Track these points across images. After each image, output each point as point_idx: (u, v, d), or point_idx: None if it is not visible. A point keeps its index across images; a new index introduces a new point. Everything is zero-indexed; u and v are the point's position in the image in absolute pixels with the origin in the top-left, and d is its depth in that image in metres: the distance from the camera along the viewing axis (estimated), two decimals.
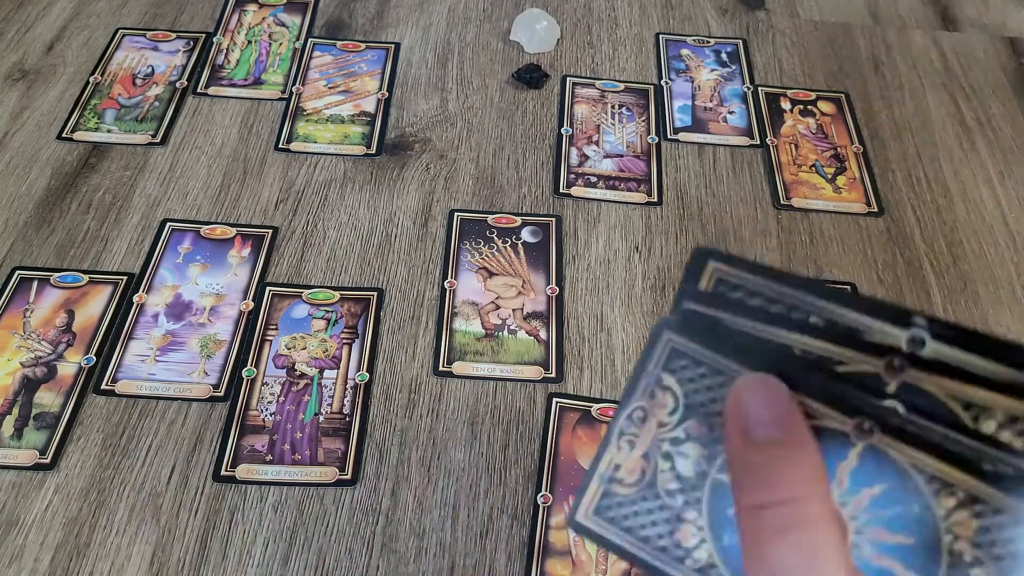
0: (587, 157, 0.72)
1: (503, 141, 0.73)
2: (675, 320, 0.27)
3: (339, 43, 0.81)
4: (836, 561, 0.21)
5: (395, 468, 0.54)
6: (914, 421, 0.24)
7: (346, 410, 0.56)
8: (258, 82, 0.77)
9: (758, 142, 0.74)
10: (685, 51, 0.82)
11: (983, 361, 0.23)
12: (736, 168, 0.72)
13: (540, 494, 0.52)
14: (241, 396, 0.56)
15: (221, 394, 0.56)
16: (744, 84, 0.79)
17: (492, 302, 0.62)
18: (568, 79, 0.78)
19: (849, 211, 0.69)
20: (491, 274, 0.64)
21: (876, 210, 0.69)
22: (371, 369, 0.58)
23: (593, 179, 0.70)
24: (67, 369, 0.57)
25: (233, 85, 0.76)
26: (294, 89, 0.76)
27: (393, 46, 0.81)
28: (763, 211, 0.69)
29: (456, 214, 0.67)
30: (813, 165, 0.72)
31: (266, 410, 0.56)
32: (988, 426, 0.23)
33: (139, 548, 0.50)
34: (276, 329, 0.60)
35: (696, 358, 0.27)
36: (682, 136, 0.74)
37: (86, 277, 0.62)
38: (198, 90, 0.76)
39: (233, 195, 0.68)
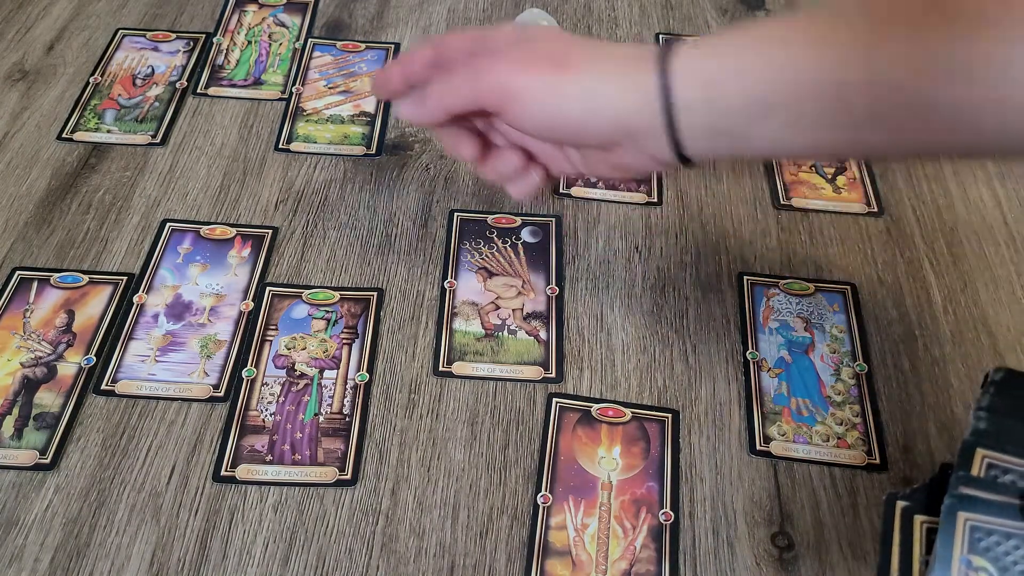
0: None
1: None
2: (957, 504, 0.29)
3: (339, 43, 0.81)
4: None
5: (395, 468, 0.54)
6: None
7: (346, 410, 0.56)
8: (258, 82, 0.77)
9: None
10: None
11: None
12: (736, 168, 0.72)
13: (540, 494, 0.52)
14: (241, 396, 0.56)
15: (221, 394, 0.56)
16: None
17: (492, 302, 0.62)
18: None
19: (849, 211, 0.69)
20: (491, 274, 0.64)
21: (876, 210, 0.69)
22: (371, 369, 0.58)
23: (593, 179, 0.70)
24: (67, 369, 0.57)
25: (233, 85, 0.76)
26: (294, 89, 0.76)
27: (393, 46, 0.81)
28: (763, 211, 0.69)
29: (456, 214, 0.67)
30: (813, 165, 0.72)
31: (266, 410, 0.56)
32: None
33: (139, 548, 0.50)
34: (276, 329, 0.60)
35: (1005, 531, 0.29)
36: None
37: (86, 277, 0.62)
38: (198, 90, 0.76)
39: (233, 195, 0.68)
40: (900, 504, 0.32)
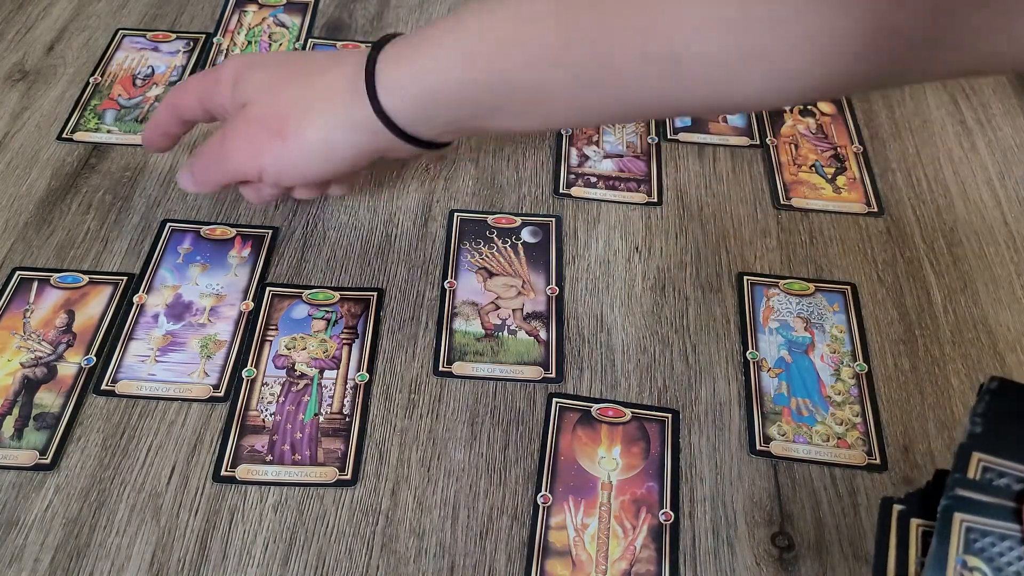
0: (587, 157, 0.72)
1: (503, 141, 0.73)
2: (954, 505, 0.31)
3: (339, 44, 0.81)
4: None
5: (395, 468, 0.54)
6: None
7: (346, 410, 0.56)
8: None
9: (758, 142, 0.74)
10: None
11: None
12: (736, 168, 0.72)
13: (540, 494, 0.52)
14: (241, 396, 0.56)
15: (221, 394, 0.56)
16: None
17: (492, 302, 0.62)
18: None
19: (849, 211, 0.69)
20: (491, 274, 0.64)
21: (876, 210, 0.69)
22: (371, 369, 0.58)
23: (593, 179, 0.70)
24: (67, 369, 0.57)
25: None
26: None
27: None
28: (763, 211, 0.69)
29: (456, 214, 0.67)
30: (813, 165, 0.72)
31: (266, 410, 0.56)
32: None
33: (139, 548, 0.50)
34: (276, 329, 0.60)
35: (1000, 533, 0.30)
36: (682, 136, 0.74)
37: (86, 277, 0.62)
38: None
39: (233, 195, 0.68)
40: (896, 508, 0.33)
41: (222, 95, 0.55)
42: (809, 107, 0.77)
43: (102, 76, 0.76)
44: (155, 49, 0.79)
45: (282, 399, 0.56)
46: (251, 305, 0.61)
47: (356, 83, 0.50)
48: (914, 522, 0.32)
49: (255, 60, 0.58)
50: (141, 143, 0.65)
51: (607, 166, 0.71)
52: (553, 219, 0.67)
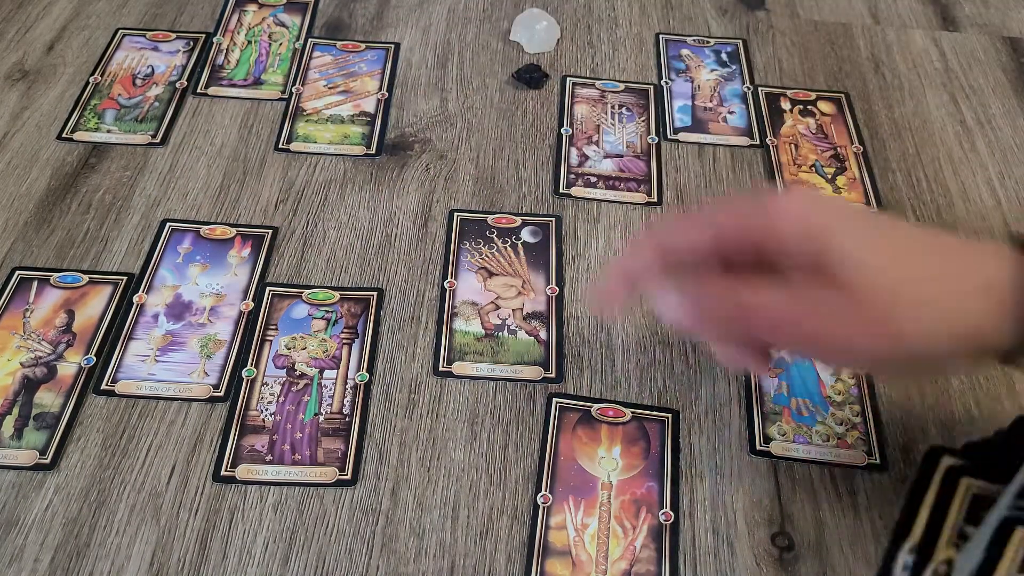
0: (587, 157, 0.72)
1: (503, 141, 0.73)
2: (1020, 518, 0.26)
3: (339, 43, 0.81)
4: None
5: (395, 468, 0.54)
6: None
7: (346, 410, 0.56)
8: (258, 82, 0.77)
9: (758, 142, 0.74)
10: (685, 51, 0.82)
11: None
12: (736, 168, 0.72)
13: (540, 494, 0.52)
14: (241, 396, 0.56)
15: (221, 394, 0.56)
16: (744, 84, 0.79)
17: (492, 302, 0.62)
18: (568, 79, 0.78)
19: None
20: (491, 274, 0.64)
21: (876, 210, 0.69)
22: (371, 369, 0.58)
23: (593, 179, 0.70)
24: (67, 369, 0.57)
25: (233, 85, 0.76)
26: (294, 89, 0.76)
27: (393, 46, 0.81)
28: None
29: (456, 214, 0.67)
30: (813, 165, 0.72)
31: (266, 410, 0.56)
32: None
33: (139, 548, 0.50)
34: (276, 329, 0.60)
35: None
36: (682, 136, 0.74)
37: (86, 277, 0.62)
38: (198, 90, 0.76)
39: (233, 195, 0.68)
40: (945, 463, 0.27)
41: (783, 233, 0.41)
42: (809, 107, 0.77)
43: (102, 76, 0.76)
44: (155, 49, 0.79)
45: (282, 399, 0.56)
46: (251, 305, 0.61)
47: (1000, 277, 0.38)
48: (965, 482, 0.27)
49: (849, 212, 0.45)
50: (594, 304, 0.53)
51: (607, 166, 0.71)
52: (553, 219, 0.67)
